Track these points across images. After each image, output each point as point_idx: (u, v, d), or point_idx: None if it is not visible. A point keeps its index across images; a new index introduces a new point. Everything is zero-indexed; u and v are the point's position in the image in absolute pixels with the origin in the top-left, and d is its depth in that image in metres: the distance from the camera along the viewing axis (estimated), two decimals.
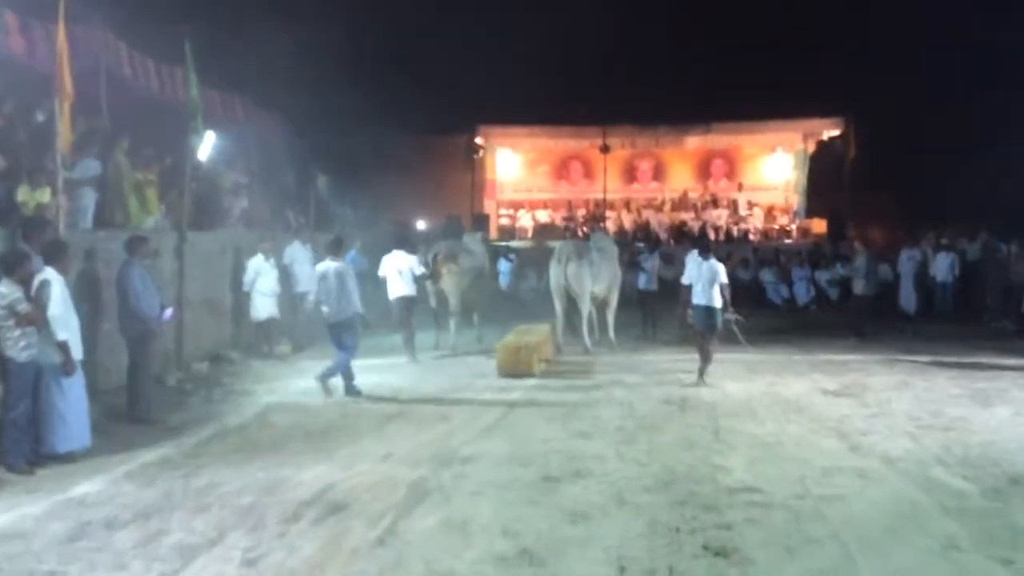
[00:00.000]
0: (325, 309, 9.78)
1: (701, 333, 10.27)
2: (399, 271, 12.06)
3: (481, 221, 23.82)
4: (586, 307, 12.85)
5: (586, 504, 5.68)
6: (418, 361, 12.01)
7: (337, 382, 9.73)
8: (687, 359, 11.73)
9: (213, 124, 13.64)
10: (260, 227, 13.77)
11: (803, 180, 26.23)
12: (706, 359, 10.21)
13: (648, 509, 5.57)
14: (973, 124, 22.65)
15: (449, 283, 13.37)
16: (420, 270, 12.17)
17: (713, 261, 10.28)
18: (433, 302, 13.65)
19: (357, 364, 10.35)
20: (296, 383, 10.64)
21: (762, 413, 8.55)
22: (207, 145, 11.39)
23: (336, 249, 10.04)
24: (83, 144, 9.85)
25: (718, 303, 10.12)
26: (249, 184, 14.26)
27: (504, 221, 26.06)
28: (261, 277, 12.36)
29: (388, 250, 12.45)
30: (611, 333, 13.52)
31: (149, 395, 8.62)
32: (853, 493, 5.91)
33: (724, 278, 10.21)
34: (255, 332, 12.57)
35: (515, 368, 10.80)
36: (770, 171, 27.12)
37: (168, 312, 8.86)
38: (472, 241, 15.13)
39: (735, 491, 5.92)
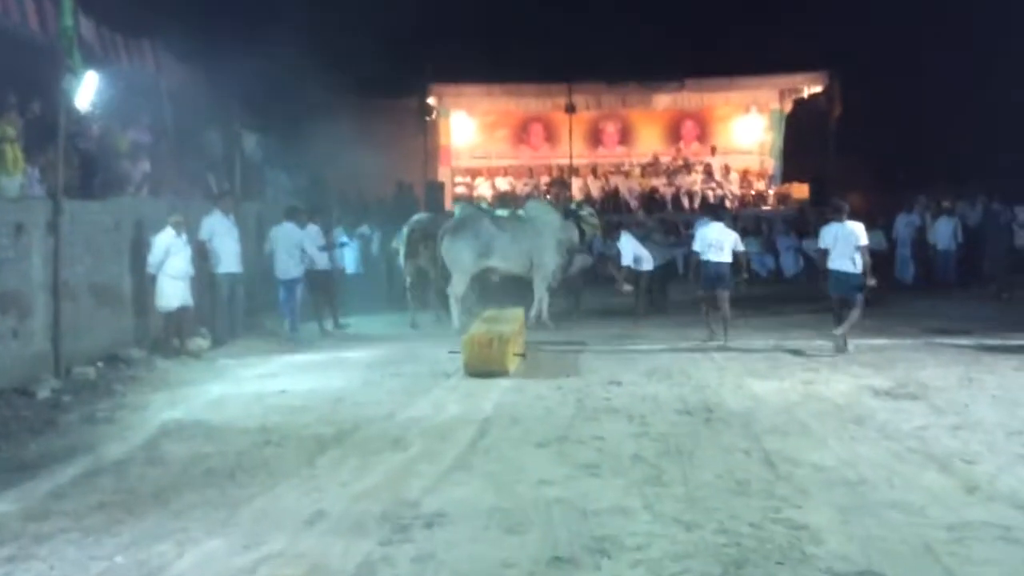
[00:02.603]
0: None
1: (840, 301, 9.69)
2: (287, 247, 11.44)
3: (435, 190, 21.57)
4: (458, 285, 11.77)
5: None
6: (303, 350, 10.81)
7: None
8: (686, 347, 10.04)
9: (116, 73, 11.24)
10: (171, 195, 11.38)
11: (779, 142, 24.35)
12: (849, 323, 9.56)
13: None
14: (969, 79, 20.90)
15: (427, 260, 12.40)
16: (317, 244, 11.87)
17: (851, 223, 9.62)
18: (408, 281, 12.89)
19: (287, 362, 10.02)
20: (208, 390, 8.44)
21: (814, 426, 6.55)
22: (88, 90, 9.00)
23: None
24: None
25: (858, 268, 9.45)
26: (154, 144, 11.81)
27: (460, 190, 23.77)
28: (171, 257, 10.03)
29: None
30: (544, 314, 12.16)
31: None
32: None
33: (864, 240, 9.55)
34: (163, 324, 10.24)
35: (486, 366, 8.68)
36: (742, 134, 25.18)
37: None
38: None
39: None
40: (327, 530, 4.62)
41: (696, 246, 10.79)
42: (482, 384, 8.35)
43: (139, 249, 10.11)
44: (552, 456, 5.92)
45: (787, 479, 5.30)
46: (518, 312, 10.48)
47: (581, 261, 13.01)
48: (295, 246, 11.54)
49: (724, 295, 10.44)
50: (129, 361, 9.43)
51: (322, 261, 12.24)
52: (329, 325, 12.31)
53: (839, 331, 9.51)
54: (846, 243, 9.51)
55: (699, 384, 8.13)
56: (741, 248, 10.84)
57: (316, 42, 17.90)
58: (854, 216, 19.06)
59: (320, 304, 12.36)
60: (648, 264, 12.48)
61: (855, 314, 9.56)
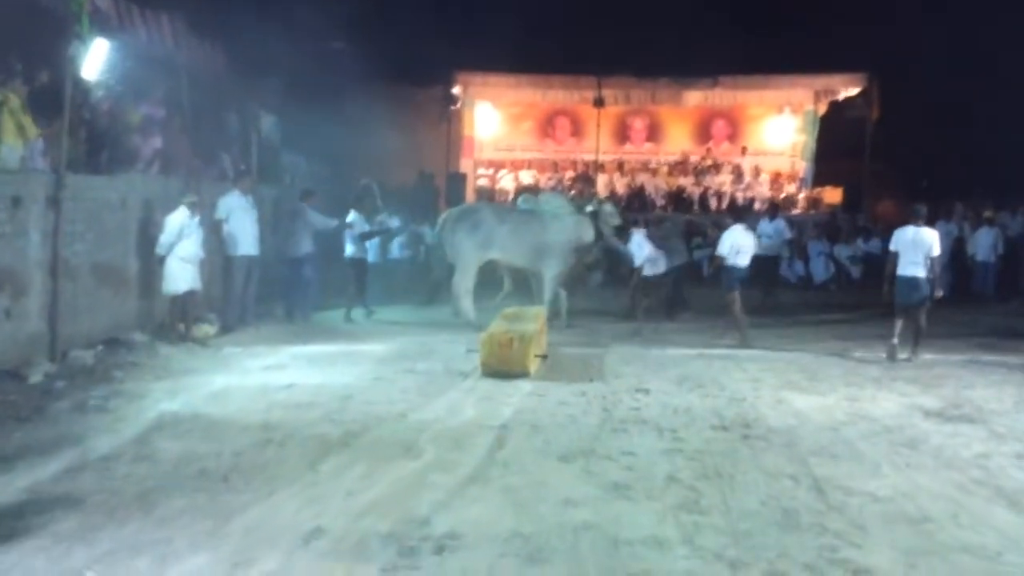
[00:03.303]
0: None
1: (905, 309, 9.40)
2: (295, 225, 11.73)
3: (457, 181, 21.06)
4: (462, 278, 11.34)
5: None
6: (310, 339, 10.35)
7: None
8: (717, 354, 9.52)
9: (132, 45, 10.76)
10: (183, 174, 10.88)
11: (811, 144, 23.63)
12: (918, 336, 9.40)
13: None
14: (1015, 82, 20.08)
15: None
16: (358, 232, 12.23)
17: (927, 230, 9.38)
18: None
19: (297, 353, 9.40)
20: (211, 381, 7.93)
21: (863, 449, 5.99)
22: (96, 58, 8.53)
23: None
24: None
25: (928, 276, 9.27)
26: (168, 120, 11.32)
27: (483, 182, 23.25)
28: (183, 239, 9.54)
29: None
30: (563, 314, 11.51)
31: None
32: None
33: (938, 250, 9.37)
34: (169, 308, 9.78)
35: (505, 367, 8.14)
36: (774, 135, 24.49)
37: None
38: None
39: None
40: (325, 550, 4.12)
41: (722, 249, 10.36)
42: (500, 386, 7.82)
43: (146, 228, 9.64)
44: (577, 472, 5.38)
45: (840, 510, 4.75)
46: (540, 310, 9.95)
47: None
48: (304, 224, 11.60)
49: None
50: (130, 346, 8.96)
51: (356, 248, 12.32)
52: (356, 314, 12.09)
53: (914, 355, 9.37)
54: (919, 250, 9.28)
55: (734, 396, 7.56)
56: (753, 251, 10.73)
57: (340, 26, 17.44)
58: (889, 225, 18.56)
59: (354, 292, 12.28)
60: (662, 266, 11.80)
61: (923, 326, 9.43)
